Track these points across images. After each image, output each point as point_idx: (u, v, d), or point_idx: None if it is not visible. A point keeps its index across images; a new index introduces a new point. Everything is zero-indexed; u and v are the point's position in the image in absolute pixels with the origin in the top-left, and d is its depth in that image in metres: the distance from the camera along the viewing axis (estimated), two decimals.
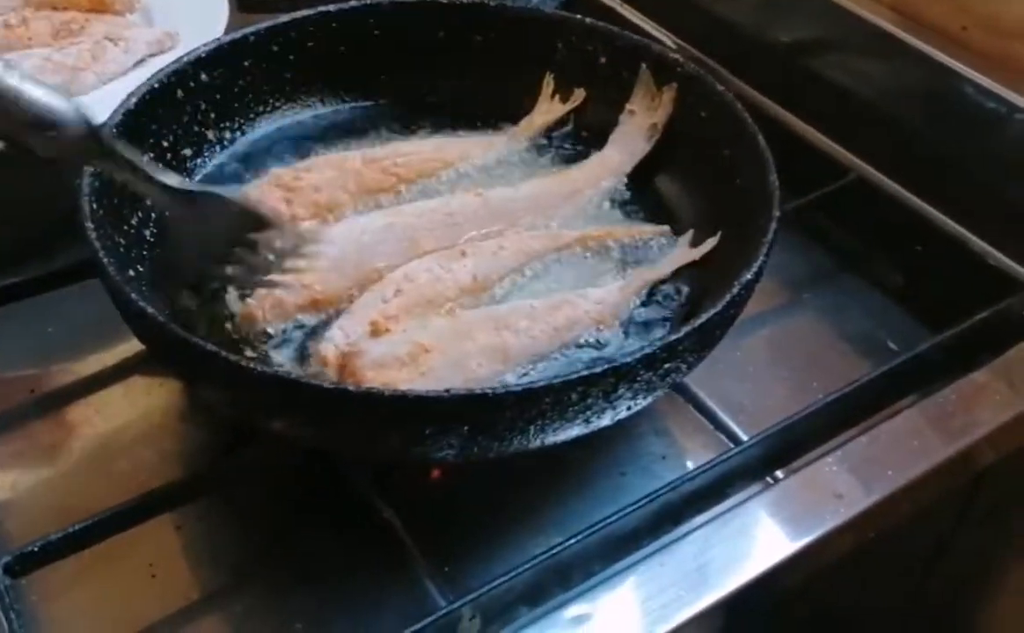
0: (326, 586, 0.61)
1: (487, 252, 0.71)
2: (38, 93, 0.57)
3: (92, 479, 0.66)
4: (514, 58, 0.86)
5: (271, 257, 0.66)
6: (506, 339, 0.65)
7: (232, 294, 0.68)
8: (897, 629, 0.94)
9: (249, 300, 0.67)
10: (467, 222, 0.74)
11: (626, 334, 0.69)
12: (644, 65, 0.82)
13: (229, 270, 0.66)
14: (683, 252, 0.74)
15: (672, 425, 0.71)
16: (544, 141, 0.85)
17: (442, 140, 0.83)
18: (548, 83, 0.86)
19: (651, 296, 0.72)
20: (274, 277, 0.66)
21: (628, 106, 0.83)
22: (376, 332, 0.64)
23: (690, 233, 0.75)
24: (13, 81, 0.56)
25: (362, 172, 0.77)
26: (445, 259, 0.70)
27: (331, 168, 0.77)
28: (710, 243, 0.72)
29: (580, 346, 0.67)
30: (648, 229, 0.77)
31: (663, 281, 0.72)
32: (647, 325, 0.70)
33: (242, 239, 0.65)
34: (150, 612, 0.59)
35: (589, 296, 0.69)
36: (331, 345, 0.63)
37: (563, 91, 0.86)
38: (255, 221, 0.66)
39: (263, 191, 0.75)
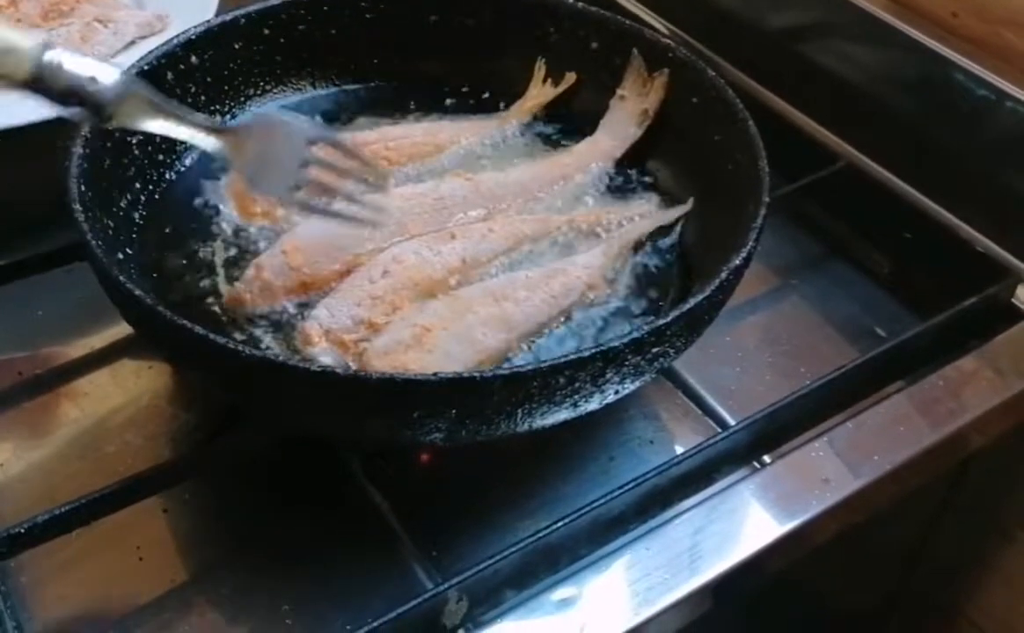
0: (314, 568, 0.61)
1: (476, 235, 0.71)
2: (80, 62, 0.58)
3: (80, 462, 0.66)
4: (506, 42, 0.86)
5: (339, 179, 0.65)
6: (507, 309, 0.65)
7: (221, 276, 0.69)
8: (883, 614, 0.94)
9: (237, 283, 0.68)
10: (456, 206, 0.74)
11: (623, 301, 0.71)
12: (635, 50, 0.82)
13: (301, 194, 0.64)
14: (659, 214, 0.76)
15: (660, 409, 0.71)
16: (535, 125, 0.84)
17: (433, 124, 0.83)
18: (540, 67, 0.86)
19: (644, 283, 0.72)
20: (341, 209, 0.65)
21: (619, 91, 0.83)
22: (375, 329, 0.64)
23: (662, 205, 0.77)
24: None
25: None
26: (434, 242, 0.70)
27: None
28: (683, 208, 0.75)
29: (569, 319, 0.68)
30: (634, 208, 0.77)
31: (643, 245, 0.74)
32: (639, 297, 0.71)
33: (308, 157, 0.64)
34: (138, 594, 0.59)
35: (576, 262, 0.71)
36: (315, 324, 0.63)
37: (554, 75, 0.85)
38: (316, 136, 0.65)
39: None
